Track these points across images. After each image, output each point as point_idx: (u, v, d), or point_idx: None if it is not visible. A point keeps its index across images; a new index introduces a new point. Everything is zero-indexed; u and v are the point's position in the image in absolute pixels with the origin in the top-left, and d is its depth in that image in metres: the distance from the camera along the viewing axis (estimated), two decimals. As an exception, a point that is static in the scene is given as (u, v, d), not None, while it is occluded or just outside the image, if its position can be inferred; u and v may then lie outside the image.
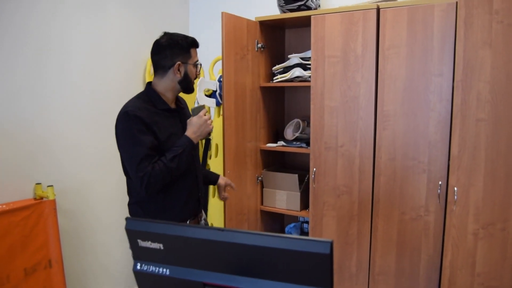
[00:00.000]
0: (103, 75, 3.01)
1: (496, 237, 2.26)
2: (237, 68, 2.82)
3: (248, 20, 2.92)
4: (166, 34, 2.10)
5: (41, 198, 2.57)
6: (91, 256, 3.00)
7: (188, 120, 2.06)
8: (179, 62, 2.03)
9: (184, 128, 2.07)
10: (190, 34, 3.70)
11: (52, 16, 2.65)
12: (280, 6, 2.96)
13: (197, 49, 2.15)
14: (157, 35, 3.43)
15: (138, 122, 1.92)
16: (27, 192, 2.56)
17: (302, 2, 2.84)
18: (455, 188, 2.32)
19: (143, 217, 2.08)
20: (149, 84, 2.12)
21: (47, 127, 2.65)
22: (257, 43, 3.01)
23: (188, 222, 2.14)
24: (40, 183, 2.59)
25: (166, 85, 2.08)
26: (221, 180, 2.43)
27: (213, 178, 2.45)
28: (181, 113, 2.15)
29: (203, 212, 2.37)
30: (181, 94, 2.18)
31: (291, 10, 2.90)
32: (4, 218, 2.35)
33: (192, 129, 2.03)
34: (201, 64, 2.17)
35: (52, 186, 2.58)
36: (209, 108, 3.37)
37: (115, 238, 3.14)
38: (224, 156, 2.77)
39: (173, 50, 2.04)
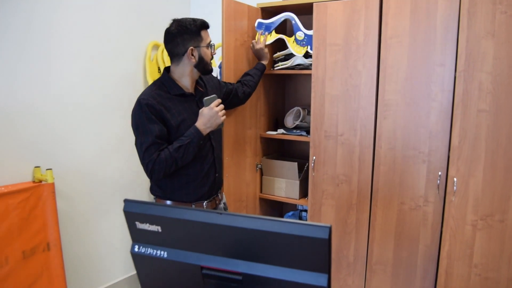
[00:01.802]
0: (103, 59, 2.99)
1: (495, 228, 2.26)
2: (237, 54, 2.80)
3: (249, 6, 2.89)
4: (174, 21, 2.12)
5: (40, 181, 2.56)
6: (90, 240, 3.01)
7: (200, 111, 2.09)
8: (191, 47, 2.07)
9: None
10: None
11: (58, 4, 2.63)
12: (282, -8, 2.94)
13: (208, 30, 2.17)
14: (157, 20, 3.42)
15: (148, 111, 1.98)
16: (26, 175, 2.55)
17: (305, -11, 2.81)
18: (455, 179, 2.32)
19: (160, 194, 2.18)
20: (165, 71, 2.18)
21: (46, 110, 2.64)
22: (259, 30, 2.99)
23: (204, 204, 2.21)
24: (39, 166, 2.58)
25: (183, 71, 2.13)
26: (263, 61, 2.83)
27: (261, 69, 2.78)
28: (199, 96, 2.19)
29: (223, 195, 2.45)
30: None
31: (294, -3, 2.88)
32: (3, 200, 2.35)
33: (202, 120, 2.06)
34: (214, 44, 2.20)
35: (51, 169, 2.58)
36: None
37: (114, 222, 3.15)
38: (223, 143, 2.76)
39: (184, 36, 2.07)
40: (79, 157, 2.87)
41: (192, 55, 2.08)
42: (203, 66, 2.14)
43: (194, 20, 2.10)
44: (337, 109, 2.66)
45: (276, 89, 3.33)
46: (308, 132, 2.91)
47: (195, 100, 2.17)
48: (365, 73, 2.55)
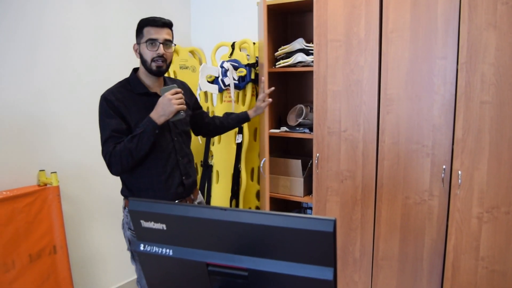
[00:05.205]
0: (104, 62, 3.00)
1: (501, 220, 2.25)
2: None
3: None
4: None
5: (45, 184, 2.57)
6: (96, 242, 3.01)
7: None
8: (134, 43, 2.07)
9: None
10: (192, 21, 3.68)
11: (52, 2, 2.63)
12: (282, -10, 2.93)
13: (170, 29, 2.08)
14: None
15: (106, 106, 1.98)
16: (31, 179, 2.56)
17: (305, -14, 2.81)
18: (459, 172, 2.31)
19: (128, 195, 2.17)
20: (134, 70, 2.15)
21: (50, 113, 2.65)
22: (259, 28, 2.99)
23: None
24: (43, 170, 2.59)
25: (141, 68, 2.10)
26: (252, 112, 2.58)
27: (242, 116, 2.55)
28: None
29: (199, 195, 2.36)
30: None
31: (294, -5, 2.87)
32: (8, 204, 2.36)
33: (156, 109, 1.95)
34: (155, 41, 1.99)
35: (55, 172, 2.59)
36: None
37: (120, 224, 3.14)
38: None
39: (136, 33, 2.06)
40: (84, 159, 2.88)
41: (137, 52, 2.07)
42: (145, 65, 2.04)
43: (148, 17, 2.04)
44: (340, 105, 2.66)
45: (278, 87, 3.32)
46: (311, 129, 2.91)
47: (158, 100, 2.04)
48: (367, 68, 2.55)
